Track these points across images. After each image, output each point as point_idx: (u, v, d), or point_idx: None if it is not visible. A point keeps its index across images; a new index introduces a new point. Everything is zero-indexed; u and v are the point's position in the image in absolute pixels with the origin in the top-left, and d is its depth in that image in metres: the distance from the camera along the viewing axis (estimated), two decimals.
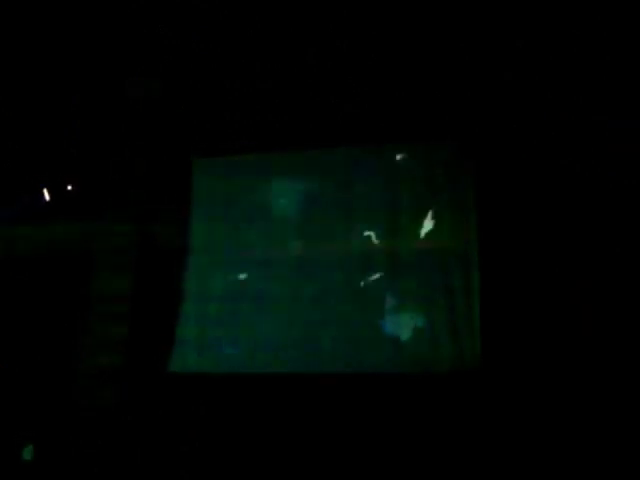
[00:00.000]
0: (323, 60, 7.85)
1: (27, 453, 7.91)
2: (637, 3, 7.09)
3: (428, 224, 7.46)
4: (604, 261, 6.85)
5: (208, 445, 7.26)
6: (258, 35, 7.98)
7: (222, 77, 8.10)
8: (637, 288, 6.72)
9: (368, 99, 7.76)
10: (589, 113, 7.15)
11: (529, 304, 6.87)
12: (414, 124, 7.60)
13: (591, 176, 7.03)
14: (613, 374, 6.59)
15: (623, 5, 7.11)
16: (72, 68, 8.32)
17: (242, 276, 7.78)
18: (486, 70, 7.52)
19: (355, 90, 7.79)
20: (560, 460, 6.49)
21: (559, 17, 7.29)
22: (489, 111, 7.44)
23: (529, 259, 7.00)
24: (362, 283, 7.46)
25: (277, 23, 7.83)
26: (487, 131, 7.39)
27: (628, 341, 6.63)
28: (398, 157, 7.76)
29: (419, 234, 7.46)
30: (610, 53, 7.21)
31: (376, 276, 7.44)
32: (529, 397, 6.69)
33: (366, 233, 7.60)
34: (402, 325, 7.24)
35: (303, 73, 7.91)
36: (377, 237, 7.57)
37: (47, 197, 8.30)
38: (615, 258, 6.82)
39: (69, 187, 8.13)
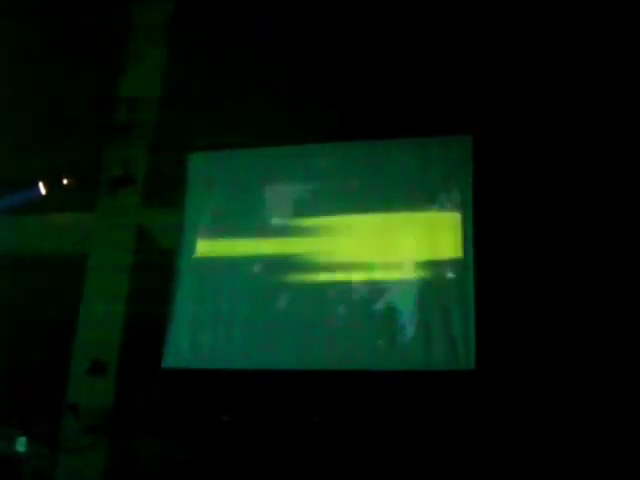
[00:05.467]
0: (322, 57, 7.81)
1: (21, 445, 7.92)
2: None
3: (424, 222, 7.43)
4: (602, 263, 6.84)
5: (202, 441, 7.29)
6: (257, 28, 7.99)
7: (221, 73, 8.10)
8: (633, 290, 6.73)
9: (364, 94, 7.71)
10: (591, 114, 7.12)
11: (525, 305, 6.86)
12: (411, 119, 7.55)
13: (592, 177, 7.01)
14: (609, 377, 6.60)
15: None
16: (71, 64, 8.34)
17: (238, 273, 7.77)
18: (488, 67, 7.48)
19: (350, 86, 7.73)
20: (554, 462, 6.52)
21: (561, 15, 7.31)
22: (491, 108, 7.39)
23: (525, 260, 6.98)
24: (356, 280, 7.44)
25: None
26: (488, 128, 7.35)
27: (623, 344, 6.64)
28: (395, 153, 7.73)
29: (415, 232, 7.44)
30: (609, 52, 7.20)
31: (370, 274, 7.43)
32: (523, 399, 6.69)
33: (360, 230, 7.58)
34: (396, 323, 7.24)
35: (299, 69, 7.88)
36: (372, 234, 7.55)
37: (43, 190, 8.25)
38: (612, 261, 6.82)
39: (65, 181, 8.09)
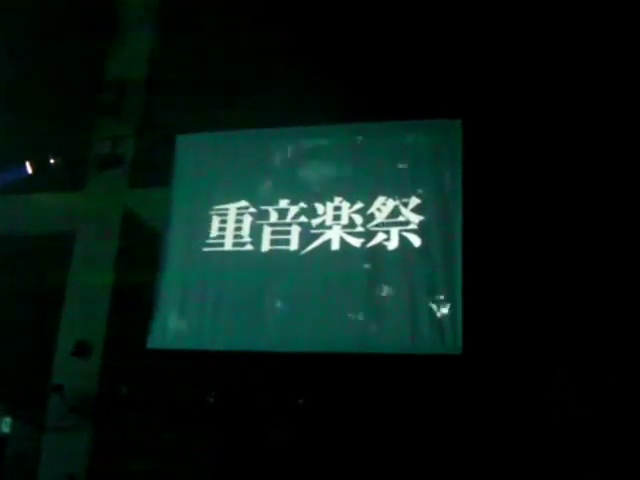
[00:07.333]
0: (311, 39, 7.80)
1: (5, 425, 7.91)
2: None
3: (411, 204, 7.43)
4: (589, 249, 6.86)
5: (186, 421, 7.29)
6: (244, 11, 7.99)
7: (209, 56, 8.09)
8: (619, 273, 6.76)
9: (354, 77, 7.68)
10: (586, 106, 7.13)
11: (512, 291, 6.87)
12: (401, 102, 7.53)
13: (579, 165, 7.03)
14: (594, 362, 6.64)
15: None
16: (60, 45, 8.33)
17: (225, 256, 7.76)
18: (482, 55, 7.48)
19: (340, 69, 7.71)
20: (538, 446, 6.55)
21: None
22: (482, 93, 7.38)
23: (513, 246, 6.99)
24: (343, 264, 7.43)
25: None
26: (478, 111, 7.34)
27: (609, 329, 6.66)
28: (385, 136, 7.72)
29: (400, 215, 7.43)
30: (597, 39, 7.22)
31: (357, 257, 7.42)
32: (509, 384, 6.72)
33: (347, 214, 7.57)
34: (384, 307, 7.25)
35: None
36: (359, 217, 7.53)
37: (30, 169, 8.21)
38: (598, 246, 6.85)
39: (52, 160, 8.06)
